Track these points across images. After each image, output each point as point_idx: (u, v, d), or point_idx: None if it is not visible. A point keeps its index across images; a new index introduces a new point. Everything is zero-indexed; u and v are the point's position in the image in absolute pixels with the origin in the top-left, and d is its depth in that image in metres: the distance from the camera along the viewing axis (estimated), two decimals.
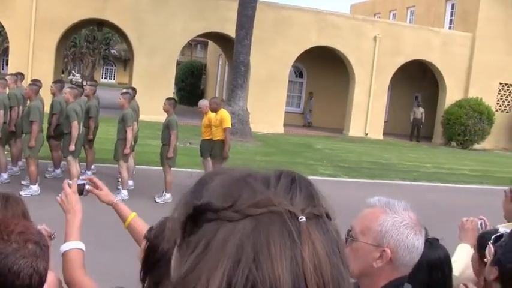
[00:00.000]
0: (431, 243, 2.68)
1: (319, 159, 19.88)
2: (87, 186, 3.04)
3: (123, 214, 3.06)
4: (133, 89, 14.14)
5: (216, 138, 12.19)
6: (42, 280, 2.06)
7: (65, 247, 2.78)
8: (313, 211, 0.87)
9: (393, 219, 2.09)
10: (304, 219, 0.84)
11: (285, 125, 28.56)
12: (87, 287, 2.69)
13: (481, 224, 3.65)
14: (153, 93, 23.50)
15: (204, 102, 12.96)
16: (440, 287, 2.66)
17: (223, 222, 0.84)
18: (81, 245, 2.81)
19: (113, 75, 69.27)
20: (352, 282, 0.94)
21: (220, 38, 29.58)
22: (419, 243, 2.09)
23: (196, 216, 0.86)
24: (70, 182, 2.97)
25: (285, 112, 29.13)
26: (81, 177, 3.11)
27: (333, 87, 32.19)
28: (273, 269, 0.79)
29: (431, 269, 2.65)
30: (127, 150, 11.61)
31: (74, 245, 2.79)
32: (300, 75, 33.30)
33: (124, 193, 11.58)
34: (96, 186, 3.12)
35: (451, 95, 30.66)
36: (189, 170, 14.33)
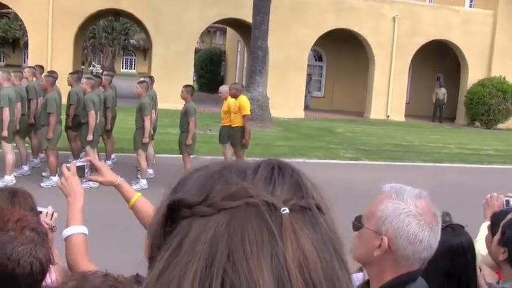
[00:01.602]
0: (453, 229, 2.52)
1: (340, 142, 19.73)
2: (86, 169, 2.86)
3: (127, 195, 2.91)
4: (151, 78, 14.09)
5: (235, 125, 12.09)
6: (44, 268, 2.01)
7: (67, 232, 2.68)
8: (299, 203, 0.77)
9: (394, 206, 1.92)
10: (286, 211, 0.74)
11: (305, 109, 28.40)
12: None
13: (507, 201, 3.48)
14: (172, 82, 23.42)
15: (224, 88, 12.88)
16: (462, 274, 2.52)
17: (197, 218, 0.76)
18: (84, 229, 2.70)
19: (133, 65, 69.40)
20: (352, 282, 0.81)
21: (237, 24, 29.44)
22: (423, 235, 1.89)
23: (172, 214, 0.78)
24: (68, 165, 2.83)
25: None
26: (79, 160, 2.94)
27: (352, 69, 31.90)
28: (250, 270, 0.70)
29: (453, 255, 2.48)
30: (145, 139, 11.57)
31: (76, 229, 2.69)
32: (319, 58, 33.06)
33: (143, 182, 11.56)
34: (95, 169, 2.93)
35: (474, 74, 30.22)
36: (209, 157, 14.27)
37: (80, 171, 2.78)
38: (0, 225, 2.04)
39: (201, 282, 0.70)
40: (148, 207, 2.72)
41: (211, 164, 0.84)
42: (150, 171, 12.33)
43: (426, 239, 1.89)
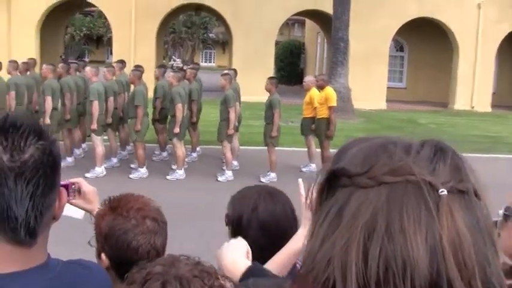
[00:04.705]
0: None
1: (424, 134, 19.21)
2: (70, 191, 2.34)
3: None
4: (234, 70, 14.19)
5: (320, 116, 12.01)
6: (159, 256, 2.06)
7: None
8: (458, 186, 0.78)
9: None
10: (445, 192, 0.76)
11: (387, 100, 27.91)
12: None
13: None
14: (252, 74, 23.50)
15: (309, 78, 12.84)
16: None
17: (357, 189, 0.78)
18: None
19: (212, 58, 70.10)
20: (502, 269, 0.81)
21: (317, 15, 29.24)
22: None
23: (332, 181, 0.82)
24: None
25: (387, 87, 28.46)
26: (68, 180, 2.39)
27: (435, 59, 31.09)
28: (406, 244, 0.73)
29: None
30: (230, 131, 11.65)
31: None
32: (401, 49, 32.44)
33: (229, 174, 11.66)
34: (79, 192, 2.38)
35: None
36: (292, 149, 14.25)
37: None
38: (123, 212, 2.13)
39: (364, 251, 0.74)
40: None
41: (375, 137, 0.86)
42: (235, 163, 12.41)
43: None
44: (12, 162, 1.32)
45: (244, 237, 2.02)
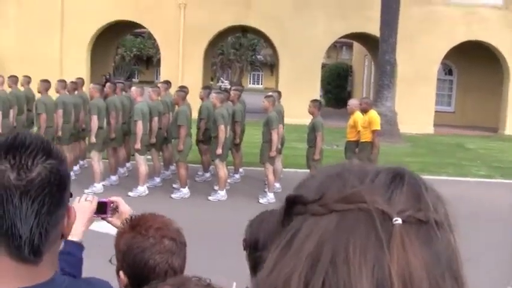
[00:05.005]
0: None
1: (473, 159, 18.93)
2: (109, 209, 2.44)
3: None
4: (278, 92, 14.19)
5: (363, 140, 11.89)
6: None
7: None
8: (416, 215, 0.72)
9: None
10: (399, 221, 0.71)
11: (435, 125, 27.52)
12: None
13: None
14: (299, 96, 23.48)
15: (353, 101, 12.75)
16: None
17: (309, 217, 0.75)
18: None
19: (260, 80, 70.45)
20: None
21: (364, 38, 29.14)
22: None
23: (290, 209, 0.78)
24: (90, 196, 2.41)
25: (435, 111, 28.07)
26: (107, 198, 2.47)
27: (485, 82, 30.55)
28: (349, 276, 0.68)
29: None
30: (273, 153, 11.63)
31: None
32: (449, 72, 32.01)
33: (270, 196, 11.62)
34: (117, 211, 2.45)
35: None
36: None
37: (101, 207, 2.40)
38: (142, 231, 2.15)
39: (305, 283, 0.70)
40: None
41: (336, 165, 0.82)
42: (278, 185, 12.37)
43: None
44: (19, 180, 1.34)
45: (260, 262, 1.99)
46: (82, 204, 2.30)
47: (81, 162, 13.69)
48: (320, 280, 0.69)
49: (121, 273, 2.17)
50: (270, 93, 12.82)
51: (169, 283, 1.65)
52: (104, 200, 2.43)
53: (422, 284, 0.68)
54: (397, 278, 0.67)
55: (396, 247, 0.69)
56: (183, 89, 12.52)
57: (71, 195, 1.68)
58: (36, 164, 1.36)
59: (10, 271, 1.37)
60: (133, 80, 48.83)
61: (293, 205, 0.77)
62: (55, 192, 1.38)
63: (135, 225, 2.17)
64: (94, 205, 2.34)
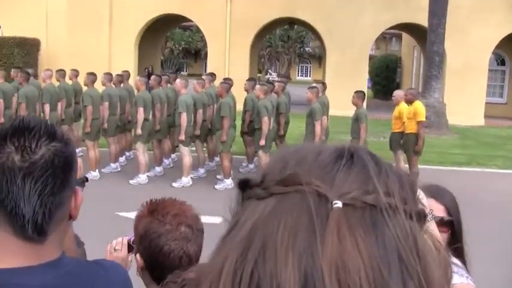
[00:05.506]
0: None
1: None
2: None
3: None
4: (323, 84, 14.11)
5: (409, 131, 11.75)
6: (192, 263, 2.09)
7: None
8: (363, 198, 0.64)
9: None
10: (338, 205, 0.63)
11: (486, 116, 26.93)
12: None
13: None
14: (346, 88, 23.21)
15: (398, 92, 12.63)
16: None
17: (253, 201, 0.69)
18: None
19: (308, 72, 70.15)
20: None
21: (412, 29, 28.69)
22: None
23: (242, 193, 0.72)
24: (117, 247, 2.50)
25: (486, 103, 27.45)
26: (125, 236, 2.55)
27: None
28: (276, 263, 0.62)
29: None
30: None
31: None
32: (502, 62, 31.26)
33: None
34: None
35: None
36: None
37: (129, 246, 2.48)
38: (159, 217, 2.17)
39: (234, 272, 0.64)
40: None
41: (291, 146, 0.76)
42: None
43: None
44: (23, 162, 1.38)
45: None
46: (114, 256, 2.40)
47: (127, 153, 13.90)
48: (249, 269, 0.63)
49: (138, 255, 2.21)
50: (314, 85, 12.77)
51: (194, 270, 1.67)
52: (128, 237, 2.47)
53: (359, 274, 0.60)
54: (328, 268, 0.60)
55: (331, 233, 0.62)
56: (227, 81, 12.58)
57: (87, 180, 1.72)
58: (39, 146, 1.40)
59: (16, 250, 1.41)
60: (182, 73, 49.31)
61: (244, 189, 0.72)
62: (59, 173, 1.41)
63: (153, 210, 2.19)
64: (125, 250, 2.45)
